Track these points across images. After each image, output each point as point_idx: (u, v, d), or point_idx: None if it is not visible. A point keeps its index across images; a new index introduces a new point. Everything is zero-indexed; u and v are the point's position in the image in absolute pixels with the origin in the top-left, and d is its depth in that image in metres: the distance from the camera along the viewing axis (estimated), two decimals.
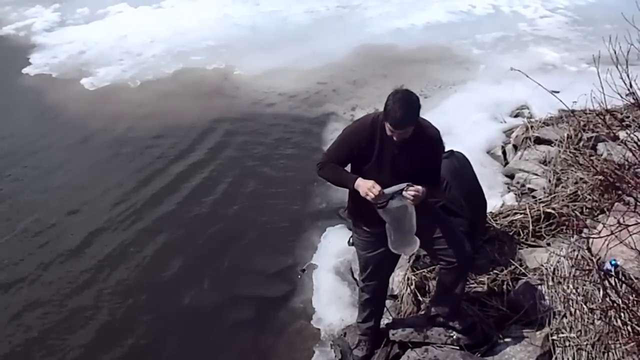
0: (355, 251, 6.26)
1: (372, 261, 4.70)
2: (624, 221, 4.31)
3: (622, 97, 4.90)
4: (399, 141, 4.14)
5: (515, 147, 7.87)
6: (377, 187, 4.06)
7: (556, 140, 7.40)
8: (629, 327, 4.45)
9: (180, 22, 14.66)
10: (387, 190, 4.11)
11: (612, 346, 4.45)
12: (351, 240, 5.03)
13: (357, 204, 4.37)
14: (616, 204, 5.40)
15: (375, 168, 4.27)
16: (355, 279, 6.18)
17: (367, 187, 4.08)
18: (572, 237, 5.55)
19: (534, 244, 5.79)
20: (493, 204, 6.47)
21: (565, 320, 4.79)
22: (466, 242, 4.61)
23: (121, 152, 9.18)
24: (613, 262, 4.84)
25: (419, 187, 4.08)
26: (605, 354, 4.48)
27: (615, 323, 4.52)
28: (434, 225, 4.49)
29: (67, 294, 6.46)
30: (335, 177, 4.43)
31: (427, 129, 4.32)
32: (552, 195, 6.32)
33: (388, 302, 5.32)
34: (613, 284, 4.72)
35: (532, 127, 7.86)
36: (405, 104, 4.01)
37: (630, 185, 4.71)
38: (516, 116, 9.17)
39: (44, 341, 5.89)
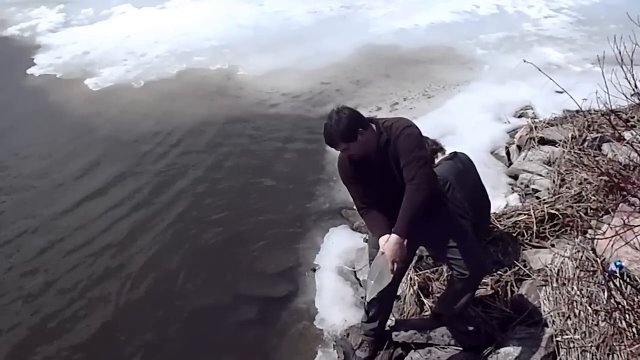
0: (357, 251, 6.29)
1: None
2: (629, 222, 4.28)
3: (627, 97, 4.88)
4: (357, 157, 4.17)
5: (520, 148, 7.85)
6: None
7: (561, 141, 7.38)
8: (634, 329, 4.43)
9: (184, 23, 14.71)
10: None
11: (617, 348, 4.42)
12: (366, 237, 5.03)
13: (375, 205, 4.37)
14: (621, 205, 5.37)
15: (370, 187, 4.30)
16: (358, 280, 6.17)
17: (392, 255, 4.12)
18: (577, 238, 5.52)
19: (538, 245, 5.77)
20: (497, 204, 6.46)
21: (569, 322, 4.76)
22: (483, 254, 4.57)
23: (125, 152, 9.19)
24: (618, 264, 4.82)
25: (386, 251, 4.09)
26: (610, 356, 4.45)
27: (620, 325, 4.49)
28: (450, 234, 4.45)
29: (70, 292, 6.45)
30: (369, 227, 4.48)
31: (392, 126, 4.17)
32: (557, 196, 6.30)
33: (393, 305, 5.29)
34: (618, 285, 4.70)
35: (536, 127, 7.84)
36: (329, 125, 4.04)
37: (635, 186, 4.69)
38: (520, 117, 9.14)
39: (47, 340, 5.87)
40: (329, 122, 4.03)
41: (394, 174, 4.17)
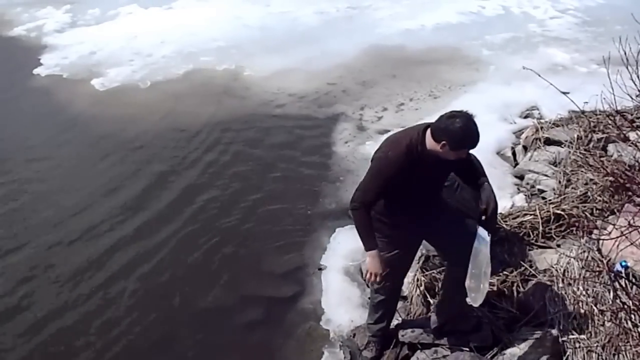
0: (365, 251, 6.28)
1: (388, 263, 4.69)
2: (634, 222, 4.30)
3: (632, 98, 4.90)
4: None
5: (525, 148, 7.86)
6: (379, 277, 4.43)
7: (566, 141, 7.39)
8: (639, 329, 4.44)
9: (191, 23, 14.69)
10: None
11: (623, 348, 4.44)
12: None
13: (384, 209, 4.42)
14: (626, 205, 5.38)
15: (415, 188, 4.34)
16: (364, 280, 6.18)
17: (373, 270, 4.43)
18: (582, 238, 5.52)
19: (543, 245, 5.78)
20: (503, 205, 6.46)
21: (575, 321, 4.78)
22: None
23: (131, 152, 9.20)
24: (623, 264, 4.83)
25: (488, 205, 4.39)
26: (616, 356, 4.46)
27: (625, 325, 4.51)
28: (448, 225, 4.50)
29: (76, 292, 6.47)
30: (360, 230, 4.45)
31: None
32: (562, 197, 6.30)
33: (398, 304, 5.30)
34: (623, 285, 4.71)
35: (542, 128, 7.85)
36: (475, 126, 4.13)
37: None
38: (526, 117, 9.16)
39: (54, 340, 5.90)
40: (472, 124, 4.13)
41: (438, 180, 4.49)
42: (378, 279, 4.42)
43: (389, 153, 4.27)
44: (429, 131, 4.18)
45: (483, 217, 4.34)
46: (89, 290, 6.50)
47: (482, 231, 4.33)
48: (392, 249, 4.55)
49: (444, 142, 4.08)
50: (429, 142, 4.16)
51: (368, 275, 4.45)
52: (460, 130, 4.06)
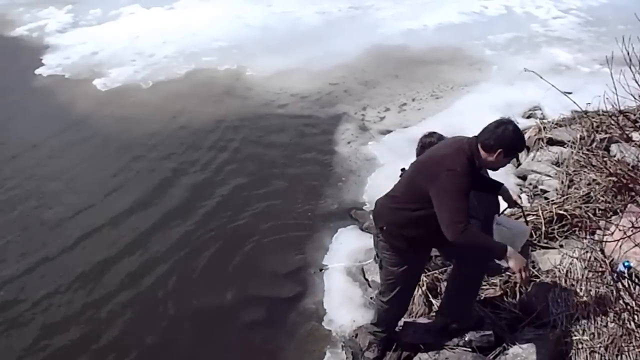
0: (366, 252, 6.29)
1: (402, 279, 4.67)
2: (637, 223, 4.29)
3: (635, 98, 4.89)
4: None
5: (528, 149, 7.84)
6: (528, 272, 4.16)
7: (569, 141, 7.38)
8: None
9: (192, 23, 14.73)
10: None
11: (626, 349, 4.42)
12: (377, 259, 4.97)
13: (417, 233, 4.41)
14: (629, 205, 5.38)
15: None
16: (367, 280, 6.18)
17: (522, 264, 4.08)
18: (585, 238, 5.52)
19: (546, 245, 5.76)
20: (505, 205, 6.44)
21: (578, 322, 4.76)
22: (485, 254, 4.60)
23: (133, 152, 9.18)
24: (626, 264, 4.82)
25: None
26: (619, 357, 4.45)
27: (628, 325, 4.50)
28: None
29: (78, 291, 6.46)
30: (483, 241, 4.22)
31: None
32: (565, 197, 6.29)
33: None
34: (626, 285, 4.70)
35: (544, 128, 7.84)
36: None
37: None
38: (529, 117, 9.15)
39: (58, 340, 5.88)
40: (519, 129, 4.29)
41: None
42: (526, 273, 4.09)
43: (457, 169, 4.18)
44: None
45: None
46: (87, 287, 6.50)
47: (513, 222, 4.86)
48: (404, 264, 4.55)
49: (500, 150, 4.18)
50: (482, 153, 4.24)
51: (521, 275, 4.08)
52: (514, 134, 4.22)
